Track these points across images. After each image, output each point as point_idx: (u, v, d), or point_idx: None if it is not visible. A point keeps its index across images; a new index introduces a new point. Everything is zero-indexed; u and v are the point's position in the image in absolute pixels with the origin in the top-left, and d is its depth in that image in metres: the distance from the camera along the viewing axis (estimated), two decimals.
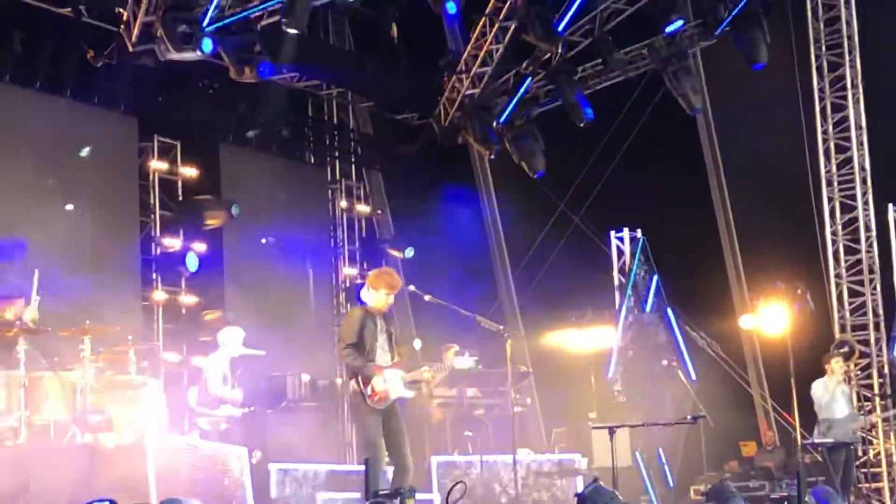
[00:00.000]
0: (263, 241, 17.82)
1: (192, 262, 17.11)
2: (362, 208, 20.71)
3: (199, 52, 14.87)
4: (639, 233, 19.73)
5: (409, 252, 19.50)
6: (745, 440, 20.18)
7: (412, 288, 11.98)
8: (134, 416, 12.21)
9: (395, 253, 19.62)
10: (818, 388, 16.40)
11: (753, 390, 20.79)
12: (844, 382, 16.86)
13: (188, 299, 17.32)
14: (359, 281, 19.18)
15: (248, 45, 15.46)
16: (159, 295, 17.05)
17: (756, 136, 19.96)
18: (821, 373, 16.52)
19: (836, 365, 16.54)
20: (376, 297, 10.77)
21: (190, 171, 17.67)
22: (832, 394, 16.34)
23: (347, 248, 20.41)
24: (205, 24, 14.83)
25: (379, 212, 20.98)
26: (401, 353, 11.15)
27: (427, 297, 11.68)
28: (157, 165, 17.30)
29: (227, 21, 15.24)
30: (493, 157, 19.41)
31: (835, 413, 16.33)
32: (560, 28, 17.81)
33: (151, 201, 17.25)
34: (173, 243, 17.30)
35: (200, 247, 17.36)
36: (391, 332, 10.98)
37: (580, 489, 7.97)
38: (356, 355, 10.63)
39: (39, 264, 13.00)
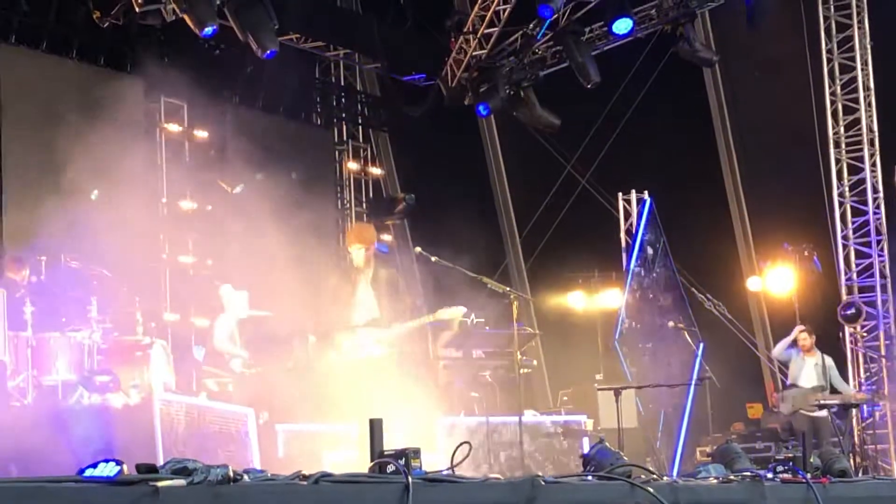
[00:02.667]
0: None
1: (199, 224, 17.10)
2: (369, 170, 20.69)
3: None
4: (646, 194, 19.70)
5: (411, 198, 19.50)
6: (752, 402, 20.21)
7: (419, 250, 11.97)
8: (141, 376, 12.26)
9: (397, 207, 19.63)
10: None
11: (760, 352, 20.80)
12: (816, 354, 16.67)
13: (194, 261, 17.30)
14: None
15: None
16: (166, 256, 17.05)
17: (764, 98, 19.91)
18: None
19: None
20: (348, 254, 10.72)
21: (197, 132, 17.65)
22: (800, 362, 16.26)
23: (354, 210, 20.42)
24: None
25: (385, 173, 20.97)
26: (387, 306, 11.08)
27: (433, 259, 11.67)
28: (165, 126, 17.28)
29: None
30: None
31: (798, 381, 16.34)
32: None
33: (159, 162, 17.22)
34: (182, 205, 17.26)
35: (210, 209, 17.32)
36: (374, 287, 10.88)
37: (586, 450, 7.99)
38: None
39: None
